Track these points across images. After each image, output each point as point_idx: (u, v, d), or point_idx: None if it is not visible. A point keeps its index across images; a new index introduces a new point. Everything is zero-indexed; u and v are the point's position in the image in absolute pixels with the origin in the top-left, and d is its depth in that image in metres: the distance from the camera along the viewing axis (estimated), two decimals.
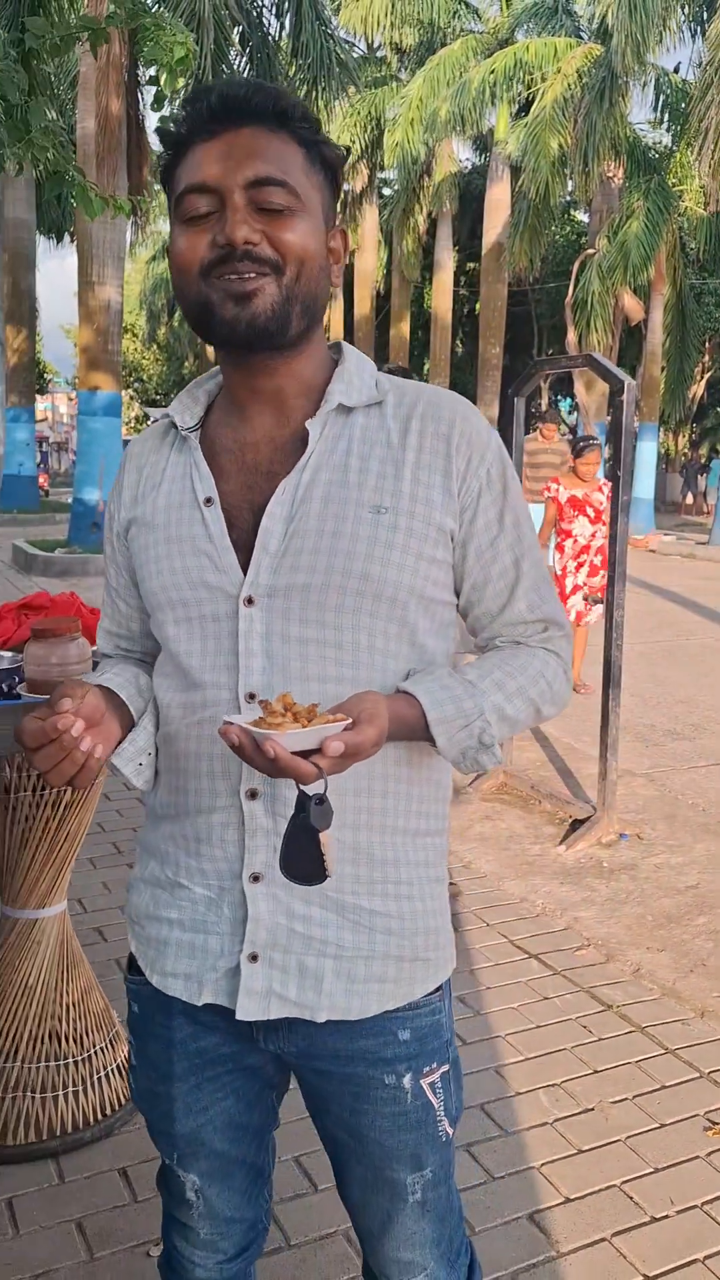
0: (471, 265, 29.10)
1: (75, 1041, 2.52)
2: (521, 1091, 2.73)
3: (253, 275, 1.13)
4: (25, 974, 2.50)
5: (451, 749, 1.19)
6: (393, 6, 22.73)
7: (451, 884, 3.80)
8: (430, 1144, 1.31)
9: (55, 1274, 2.11)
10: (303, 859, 1.07)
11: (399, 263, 26.21)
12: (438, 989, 1.31)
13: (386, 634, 1.20)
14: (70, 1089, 2.48)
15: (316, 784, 1.03)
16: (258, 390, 1.22)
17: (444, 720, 1.17)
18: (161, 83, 3.58)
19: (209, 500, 1.23)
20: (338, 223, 1.26)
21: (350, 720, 1.04)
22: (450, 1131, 1.33)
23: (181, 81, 4.51)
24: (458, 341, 30.95)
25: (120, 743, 1.26)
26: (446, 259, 25.40)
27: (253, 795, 1.21)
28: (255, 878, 1.22)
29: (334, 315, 31.17)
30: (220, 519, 1.22)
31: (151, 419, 1.34)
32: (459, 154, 25.25)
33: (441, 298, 25.69)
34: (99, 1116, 2.51)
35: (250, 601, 1.19)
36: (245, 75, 13.41)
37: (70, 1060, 2.49)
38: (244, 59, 12.85)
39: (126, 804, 4.80)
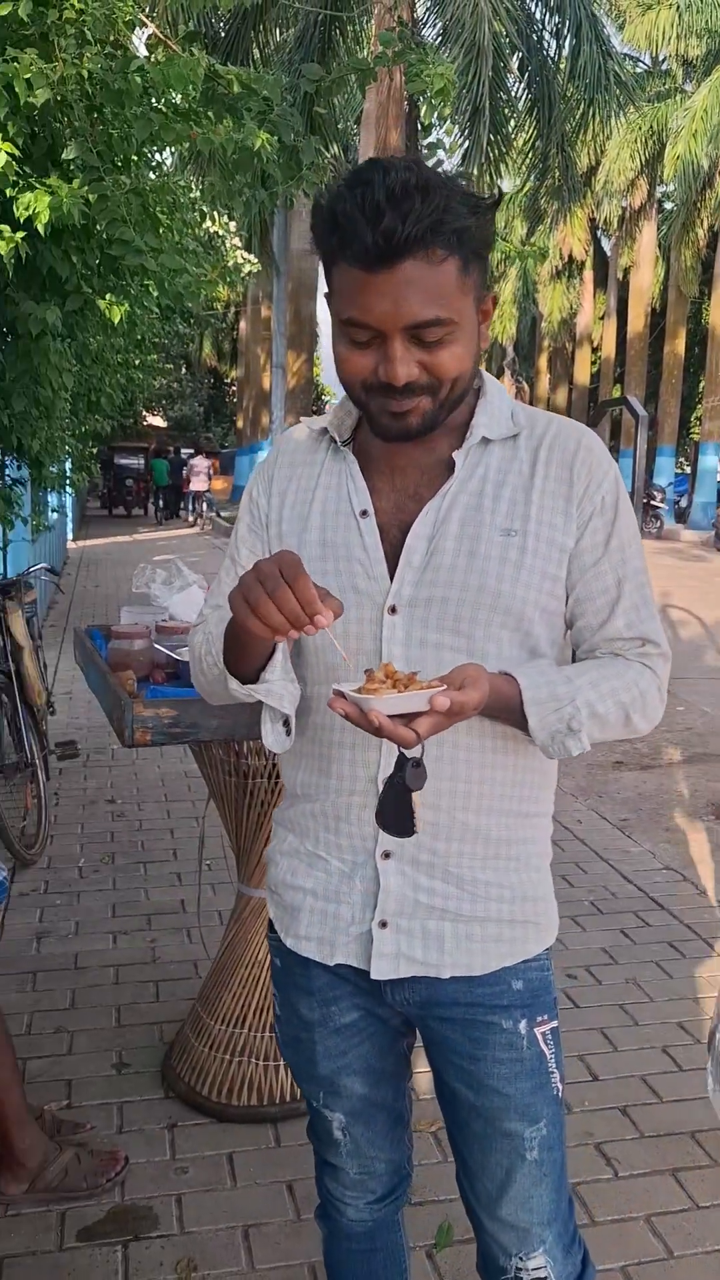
0: None
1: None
2: None
3: (410, 398, 1.23)
4: (255, 949, 2.69)
5: (542, 731, 1.25)
6: (679, 18, 22.21)
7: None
8: (544, 1096, 1.40)
9: (265, 1227, 2.27)
10: (398, 815, 1.18)
11: (676, 278, 25.49)
12: (546, 952, 1.43)
13: (512, 643, 1.31)
14: None
15: (414, 749, 1.12)
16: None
17: (538, 701, 1.24)
18: (421, 114, 3.75)
19: (365, 513, 1.34)
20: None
21: (444, 686, 1.12)
22: (560, 1089, 1.42)
23: (449, 110, 4.69)
24: None
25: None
26: None
27: None
28: (386, 854, 1.34)
29: (606, 333, 30.73)
30: (375, 531, 1.33)
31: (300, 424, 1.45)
32: None
33: None
34: None
35: (394, 610, 1.30)
36: (523, 99, 13.52)
37: None
38: (521, 84, 13.00)
39: None
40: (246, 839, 2.67)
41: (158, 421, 36.53)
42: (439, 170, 1.23)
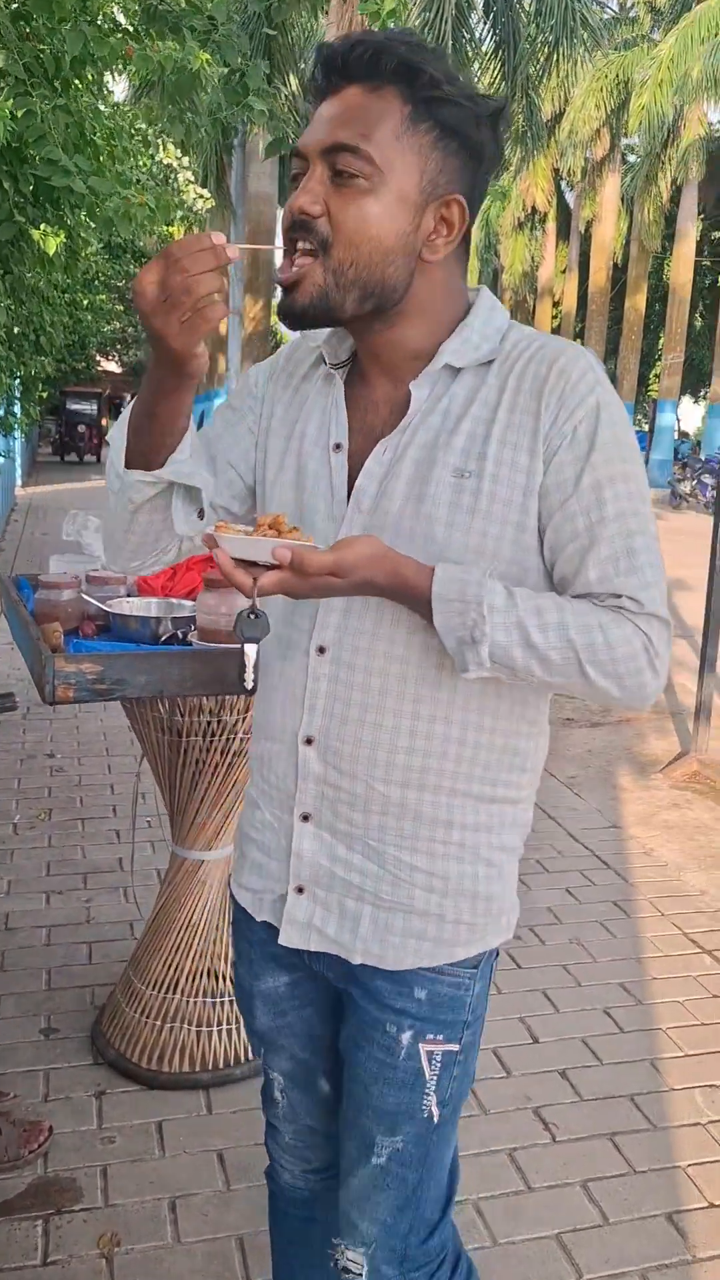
0: (717, 234, 27.76)
1: (232, 982, 2.61)
2: (675, 1088, 2.62)
3: (297, 254, 1.10)
4: (189, 912, 2.60)
5: (447, 634, 1.10)
6: None
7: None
8: (409, 1115, 1.26)
9: (193, 1198, 2.20)
10: (238, 667, 1.13)
11: (639, 232, 25.29)
12: (475, 964, 1.26)
13: None
14: (224, 1026, 2.57)
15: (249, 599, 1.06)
16: (367, 352, 1.22)
17: (443, 597, 1.09)
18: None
19: (338, 446, 1.22)
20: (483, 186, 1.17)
21: (318, 546, 1.04)
22: (436, 1114, 1.26)
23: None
24: (697, 315, 29.62)
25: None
26: (690, 228, 24.31)
27: (309, 741, 1.22)
28: (305, 817, 1.25)
29: (568, 287, 30.52)
30: (344, 468, 1.22)
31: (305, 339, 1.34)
32: (710, 117, 24.01)
33: (682, 269, 24.65)
34: (250, 1056, 2.58)
35: None
36: (488, 39, 13.22)
37: (226, 999, 2.58)
38: (486, 24, 12.68)
39: None
40: (181, 799, 2.56)
41: (112, 367, 35.81)
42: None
